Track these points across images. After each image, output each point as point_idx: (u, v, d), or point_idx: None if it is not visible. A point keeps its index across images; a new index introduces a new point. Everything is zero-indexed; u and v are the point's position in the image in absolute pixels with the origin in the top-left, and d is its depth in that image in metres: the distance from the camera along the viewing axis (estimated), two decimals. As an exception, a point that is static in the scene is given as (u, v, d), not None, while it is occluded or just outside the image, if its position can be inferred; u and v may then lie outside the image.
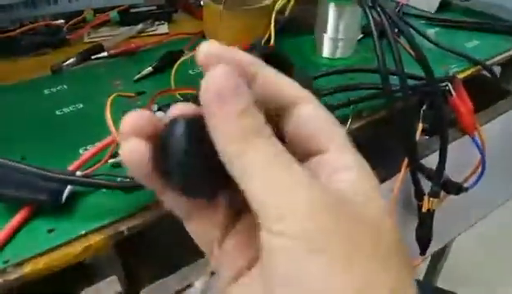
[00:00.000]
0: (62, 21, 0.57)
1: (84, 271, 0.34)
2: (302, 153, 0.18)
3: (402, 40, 0.46)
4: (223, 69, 0.16)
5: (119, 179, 0.32)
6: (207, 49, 0.17)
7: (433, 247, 0.55)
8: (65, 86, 0.46)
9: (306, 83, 0.18)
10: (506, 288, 1.23)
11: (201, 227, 0.19)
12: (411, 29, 0.53)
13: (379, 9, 0.39)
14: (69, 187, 0.30)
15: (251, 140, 0.16)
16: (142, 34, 0.58)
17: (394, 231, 0.17)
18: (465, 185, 0.46)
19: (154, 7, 0.61)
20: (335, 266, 0.15)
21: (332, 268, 0.15)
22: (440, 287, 0.73)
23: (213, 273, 0.19)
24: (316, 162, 0.18)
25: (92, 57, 0.51)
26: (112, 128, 0.31)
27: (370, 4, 0.40)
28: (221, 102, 0.16)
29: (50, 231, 0.29)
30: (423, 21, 0.62)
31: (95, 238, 0.29)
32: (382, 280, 0.15)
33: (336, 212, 0.16)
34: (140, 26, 0.58)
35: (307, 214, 0.15)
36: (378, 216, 0.17)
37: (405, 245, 0.17)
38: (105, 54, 0.52)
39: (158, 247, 0.38)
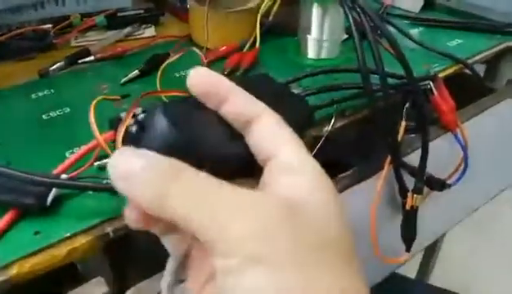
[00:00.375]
0: (49, 26, 0.57)
1: (73, 272, 0.35)
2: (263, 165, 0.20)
3: (384, 40, 0.47)
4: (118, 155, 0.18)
5: (104, 181, 0.32)
6: (196, 76, 0.21)
7: (422, 244, 0.56)
8: (52, 91, 0.46)
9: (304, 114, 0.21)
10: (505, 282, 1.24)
11: (173, 241, 0.21)
12: (394, 29, 0.54)
13: (359, 9, 0.40)
14: (54, 190, 0.30)
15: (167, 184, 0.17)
16: (129, 38, 0.59)
17: (343, 239, 0.17)
18: (449, 182, 0.47)
19: (142, 11, 0.62)
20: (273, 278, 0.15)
21: (270, 279, 0.15)
22: (432, 284, 0.74)
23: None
24: (267, 169, 0.19)
25: (79, 61, 0.52)
26: (96, 132, 0.32)
27: (350, 5, 0.41)
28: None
29: (36, 233, 0.30)
30: (407, 21, 0.63)
31: (80, 240, 0.30)
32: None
33: (274, 226, 0.16)
34: (127, 30, 0.58)
35: (243, 237, 0.16)
36: (324, 223, 0.17)
37: (354, 254, 0.17)
38: (91, 58, 0.52)
39: (145, 247, 0.39)
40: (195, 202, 0.16)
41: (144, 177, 0.17)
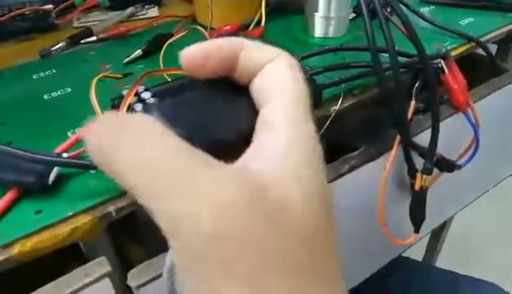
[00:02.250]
0: (51, 6, 0.56)
1: (76, 251, 0.34)
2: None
3: (395, 18, 0.45)
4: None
5: (106, 160, 0.32)
6: (188, 54, 0.20)
7: (430, 226, 0.55)
8: (53, 71, 0.46)
9: (311, 94, 0.20)
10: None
11: None
12: (404, 7, 0.53)
13: (368, -16, 0.39)
14: (56, 169, 0.30)
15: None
16: (132, 18, 0.57)
17: (323, 236, 0.14)
18: (459, 163, 0.46)
19: (144, -10, 0.60)
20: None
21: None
22: (440, 266, 0.74)
23: None
24: (258, 121, 0.18)
25: (82, 42, 0.51)
26: (97, 110, 0.31)
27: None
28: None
29: (37, 212, 0.29)
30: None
31: (82, 220, 0.29)
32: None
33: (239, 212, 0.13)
34: (129, 10, 0.57)
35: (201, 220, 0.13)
36: (298, 218, 0.14)
37: (334, 251, 0.15)
38: (94, 38, 0.51)
39: (149, 226, 0.38)
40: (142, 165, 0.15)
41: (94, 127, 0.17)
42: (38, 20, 0.54)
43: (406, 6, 0.53)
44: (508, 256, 1.26)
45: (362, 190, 0.40)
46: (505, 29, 0.54)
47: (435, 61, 0.45)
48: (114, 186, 0.31)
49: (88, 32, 0.52)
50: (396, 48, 0.38)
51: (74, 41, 0.51)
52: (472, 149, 0.46)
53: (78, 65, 0.47)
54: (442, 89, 0.46)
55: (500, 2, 0.58)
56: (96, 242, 0.34)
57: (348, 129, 0.52)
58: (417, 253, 0.87)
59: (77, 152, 0.32)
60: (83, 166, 0.30)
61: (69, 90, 0.42)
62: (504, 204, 1.31)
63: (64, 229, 0.29)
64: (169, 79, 0.39)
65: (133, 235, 0.38)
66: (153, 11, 0.59)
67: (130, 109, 0.32)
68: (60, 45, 0.49)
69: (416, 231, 0.43)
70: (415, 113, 0.45)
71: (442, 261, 0.91)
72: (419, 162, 0.42)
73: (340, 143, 0.48)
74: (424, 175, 0.40)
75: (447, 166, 0.44)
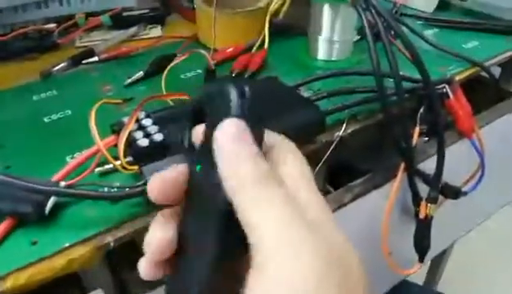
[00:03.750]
0: (53, 25, 0.56)
1: (75, 279, 0.33)
2: None
3: (399, 41, 0.45)
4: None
5: (105, 188, 0.31)
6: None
7: (434, 252, 0.54)
8: (54, 92, 0.45)
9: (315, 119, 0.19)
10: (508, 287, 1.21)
11: None
12: (408, 30, 0.52)
13: (373, 10, 0.38)
14: (52, 198, 0.29)
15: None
16: (135, 38, 0.57)
17: (361, 266, 0.17)
18: (464, 189, 0.45)
19: (147, 10, 0.60)
20: None
21: None
22: (441, 291, 0.72)
23: None
24: None
25: (83, 62, 0.51)
26: (97, 138, 0.30)
27: (364, 6, 0.39)
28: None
29: (33, 243, 0.28)
30: (420, 22, 0.61)
31: (79, 251, 0.28)
32: None
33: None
34: (132, 30, 0.57)
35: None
36: (346, 247, 0.17)
37: (367, 281, 0.17)
38: (95, 59, 0.51)
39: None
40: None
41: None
42: (41, 39, 0.54)
43: (410, 29, 0.53)
44: (510, 279, 1.24)
45: (366, 219, 0.39)
46: (509, 53, 0.54)
47: (440, 86, 0.44)
48: (113, 216, 0.30)
49: (90, 52, 0.51)
50: (400, 72, 0.37)
51: (75, 61, 0.50)
52: (478, 176, 0.45)
53: (79, 87, 0.46)
54: (445, 112, 0.45)
55: (504, 25, 0.58)
56: (94, 270, 0.34)
57: (352, 151, 0.52)
58: (418, 276, 0.85)
59: (74, 180, 0.31)
60: (82, 196, 0.29)
61: (70, 112, 0.42)
62: (506, 226, 1.29)
63: (60, 261, 0.28)
64: (172, 104, 0.39)
65: (133, 263, 0.37)
66: (156, 31, 0.59)
67: (132, 139, 0.31)
68: (62, 65, 0.49)
69: (421, 260, 0.42)
70: (420, 136, 0.44)
71: (444, 285, 0.90)
72: (423, 188, 0.42)
73: (343, 167, 0.47)
74: (429, 204, 0.40)
75: (453, 193, 0.43)
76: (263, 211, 0.16)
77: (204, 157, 0.18)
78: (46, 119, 0.41)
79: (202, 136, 0.19)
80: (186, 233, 0.19)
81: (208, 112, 0.18)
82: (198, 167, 0.18)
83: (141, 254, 0.38)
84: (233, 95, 0.17)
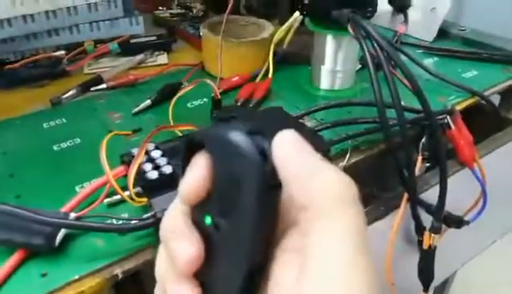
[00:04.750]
0: (63, 52, 0.57)
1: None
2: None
3: (399, 71, 0.46)
4: None
5: (114, 220, 0.32)
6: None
7: (436, 281, 0.54)
8: (63, 120, 0.46)
9: (319, 150, 0.18)
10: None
11: None
12: (409, 59, 0.54)
13: (374, 43, 0.40)
14: (62, 230, 0.30)
15: None
16: (142, 65, 0.59)
17: None
18: (466, 219, 0.45)
19: (154, 38, 0.62)
20: None
21: None
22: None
23: None
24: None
25: (92, 89, 0.52)
26: (107, 169, 0.31)
27: (365, 35, 0.40)
28: None
29: (43, 275, 0.29)
30: (420, 50, 0.62)
31: (89, 283, 0.29)
32: None
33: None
34: (139, 57, 0.59)
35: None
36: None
37: None
38: (104, 86, 0.52)
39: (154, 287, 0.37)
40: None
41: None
42: (51, 66, 0.55)
43: (411, 58, 0.54)
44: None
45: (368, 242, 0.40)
46: (508, 83, 0.55)
47: (441, 116, 0.45)
48: (121, 247, 0.31)
49: (98, 79, 0.53)
50: (402, 103, 0.38)
51: (84, 88, 0.51)
52: (480, 205, 0.46)
53: (87, 114, 0.47)
54: (446, 141, 0.46)
55: (503, 55, 0.59)
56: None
57: (355, 177, 0.52)
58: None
59: (84, 211, 0.32)
60: (91, 228, 0.30)
61: (79, 141, 0.42)
62: (508, 253, 1.28)
63: (69, 293, 0.28)
64: (180, 134, 0.40)
65: (139, 293, 0.38)
66: (162, 58, 0.60)
67: (141, 171, 0.32)
68: (71, 93, 0.50)
69: (425, 290, 0.42)
70: (422, 162, 0.45)
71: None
72: (425, 218, 0.42)
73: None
74: (433, 234, 0.40)
75: (455, 222, 0.44)
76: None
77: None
78: (55, 147, 0.41)
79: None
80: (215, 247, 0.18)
81: (214, 160, 0.17)
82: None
83: (147, 284, 0.38)
84: (255, 160, 0.16)
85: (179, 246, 0.17)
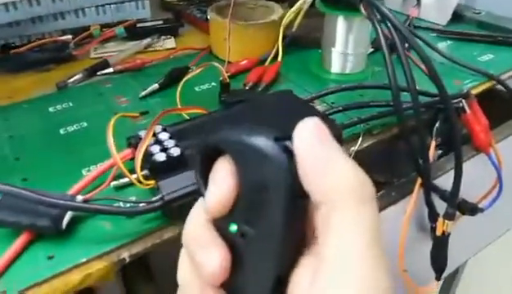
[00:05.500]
0: (69, 37, 0.57)
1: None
2: None
3: (413, 54, 0.44)
4: None
5: (121, 203, 0.31)
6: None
7: (450, 268, 0.53)
8: (70, 104, 0.45)
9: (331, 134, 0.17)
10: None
11: None
12: (422, 43, 0.52)
13: (388, 23, 0.38)
14: (69, 212, 0.29)
15: None
16: (149, 49, 0.58)
17: None
18: (481, 206, 0.44)
19: (161, 22, 0.61)
20: None
21: None
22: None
23: None
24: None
25: (98, 73, 0.51)
26: (114, 152, 0.30)
27: (380, 18, 0.39)
28: None
29: (50, 258, 0.28)
30: (434, 34, 0.61)
31: (96, 266, 0.28)
32: None
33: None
34: (146, 41, 0.58)
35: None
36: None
37: None
38: (110, 70, 0.51)
39: (163, 270, 0.37)
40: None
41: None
42: (57, 50, 0.54)
43: (424, 41, 0.53)
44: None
45: (382, 235, 0.39)
46: (525, 66, 0.53)
47: (456, 100, 0.44)
48: (129, 230, 0.30)
49: (105, 63, 0.52)
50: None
51: (90, 72, 0.51)
52: (495, 191, 0.44)
53: (94, 98, 0.47)
54: (461, 126, 0.45)
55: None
56: (108, 284, 0.33)
57: (367, 165, 0.51)
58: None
59: (91, 194, 0.31)
60: (98, 211, 0.29)
61: (85, 124, 0.42)
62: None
63: (76, 276, 0.28)
64: (188, 117, 0.39)
65: (146, 276, 0.37)
66: (170, 42, 0.59)
67: (148, 153, 0.31)
68: (77, 77, 0.49)
69: (438, 278, 0.41)
70: (436, 148, 0.44)
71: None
72: (439, 204, 0.41)
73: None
74: (446, 221, 0.39)
75: (470, 209, 0.42)
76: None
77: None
78: (62, 131, 0.41)
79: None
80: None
81: (239, 165, 0.17)
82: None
83: (154, 267, 0.38)
84: (280, 159, 0.16)
85: (206, 256, 0.17)
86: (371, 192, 0.16)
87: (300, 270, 0.16)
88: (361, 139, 0.40)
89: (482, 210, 0.43)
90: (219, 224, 0.18)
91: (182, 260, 0.19)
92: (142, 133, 0.33)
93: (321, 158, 0.15)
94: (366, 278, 0.14)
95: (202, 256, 0.17)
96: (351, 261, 0.15)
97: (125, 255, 0.29)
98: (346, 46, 0.49)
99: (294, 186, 0.16)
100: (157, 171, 0.31)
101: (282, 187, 0.16)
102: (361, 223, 0.15)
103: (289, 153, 0.16)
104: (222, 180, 0.17)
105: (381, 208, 0.38)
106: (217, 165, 0.17)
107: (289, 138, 0.16)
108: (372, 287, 0.14)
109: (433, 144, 0.42)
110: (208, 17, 0.55)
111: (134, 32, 0.59)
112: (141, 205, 0.30)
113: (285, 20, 0.51)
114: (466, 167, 0.41)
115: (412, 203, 0.38)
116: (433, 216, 0.40)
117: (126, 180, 0.32)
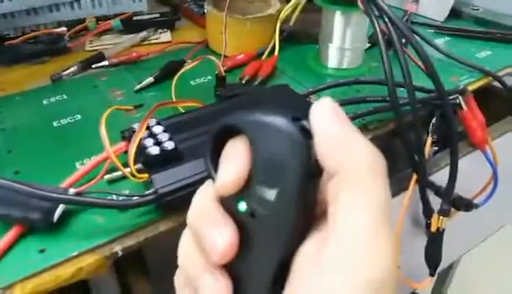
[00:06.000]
0: (64, 29, 0.56)
1: (82, 287, 0.33)
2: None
3: (410, 50, 0.44)
4: None
5: (114, 196, 0.31)
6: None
7: (443, 265, 0.53)
8: (64, 96, 0.45)
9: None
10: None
11: None
12: (420, 39, 0.52)
13: (386, 18, 0.38)
14: (61, 205, 0.29)
15: None
16: (145, 42, 0.57)
17: None
18: (476, 202, 0.44)
19: (157, 15, 0.60)
20: None
21: None
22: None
23: None
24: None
25: (93, 66, 0.51)
26: (107, 145, 0.30)
27: (377, 13, 0.39)
28: None
29: (41, 251, 0.28)
30: (431, 30, 0.60)
31: (87, 260, 0.28)
32: None
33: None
34: (142, 34, 0.57)
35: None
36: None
37: None
38: (106, 63, 0.51)
39: (156, 264, 0.37)
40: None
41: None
42: (51, 43, 0.54)
43: (422, 37, 0.52)
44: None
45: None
46: (523, 63, 0.53)
47: (453, 97, 0.43)
48: (121, 224, 0.30)
49: (100, 56, 0.51)
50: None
51: (85, 65, 0.50)
52: (490, 188, 0.44)
53: (88, 91, 0.46)
54: (458, 123, 0.45)
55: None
56: (102, 277, 0.33)
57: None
58: (423, 289, 0.84)
59: (84, 187, 0.31)
60: (90, 204, 0.29)
61: (79, 117, 0.41)
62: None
63: (67, 270, 0.28)
64: (183, 111, 0.39)
65: (141, 271, 0.37)
66: (166, 36, 0.59)
67: (142, 146, 0.31)
68: (72, 69, 0.49)
69: (432, 274, 0.41)
70: (432, 145, 0.44)
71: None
72: (434, 200, 0.41)
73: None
74: (441, 217, 0.39)
75: (464, 205, 0.42)
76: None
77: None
78: (55, 124, 0.41)
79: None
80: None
81: (254, 145, 0.17)
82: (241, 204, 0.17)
83: (149, 261, 0.38)
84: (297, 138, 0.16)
85: (214, 234, 0.17)
86: (384, 169, 0.16)
87: (306, 242, 0.17)
88: (356, 134, 0.40)
89: (476, 206, 0.43)
90: (227, 204, 0.18)
91: (185, 239, 0.19)
92: (136, 126, 0.33)
93: (340, 135, 0.16)
94: (372, 250, 0.15)
95: (212, 233, 0.17)
96: (359, 234, 0.15)
97: (117, 248, 0.29)
98: (343, 41, 0.49)
99: (310, 164, 0.16)
100: (150, 164, 0.31)
101: (299, 165, 0.16)
102: (373, 198, 0.15)
103: (306, 132, 0.16)
104: (237, 158, 0.17)
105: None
106: (230, 145, 0.18)
107: (306, 118, 0.16)
108: (378, 258, 0.15)
109: (429, 140, 0.42)
110: (205, 10, 0.54)
111: (130, 25, 0.58)
112: (134, 198, 0.30)
113: (283, 15, 0.50)
114: (462, 163, 0.41)
115: (407, 199, 0.38)
116: (428, 211, 0.40)
117: (119, 173, 0.32)
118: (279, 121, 0.16)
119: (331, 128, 0.16)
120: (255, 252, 0.17)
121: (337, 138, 0.16)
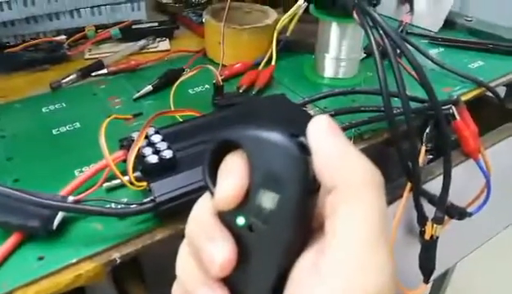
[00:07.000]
0: (64, 37, 0.57)
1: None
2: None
3: (404, 60, 0.45)
4: None
5: (112, 204, 0.31)
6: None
7: (437, 272, 0.54)
8: (63, 104, 0.46)
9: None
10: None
11: None
12: (414, 49, 0.53)
13: (380, 30, 0.39)
14: (60, 213, 0.29)
15: None
16: (144, 51, 0.58)
17: None
18: (469, 210, 0.45)
19: (156, 24, 0.61)
20: None
21: None
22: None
23: None
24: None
25: (92, 74, 0.51)
26: (106, 153, 0.30)
27: (371, 24, 0.40)
28: None
29: (40, 259, 0.28)
30: (426, 41, 0.61)
31: (86, 267, 0.28)
32: None
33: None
34: (141, 42, 0.58)
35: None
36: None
37: None
38: (105, 71, 0.51)
39: (153, 271, 0.37)
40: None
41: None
42: (51, 51, 0.54)
43: (416, 48, 0.53)
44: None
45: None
46: (514, 74, 0.54)
47: (446, 107, 0.44)
48: (120, 232, 0.30)
49: (99, 64, 0.52)
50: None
51: (84, 73, 0.51)
52: (483, 197, 0.45)
53: (87, 99, 0.47)
54: (451, 132, 0.45)
55: (509, 46, 0.58)
56: (99, 284, 0.34)
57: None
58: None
59: (83, 195, 0.31)
60: (89, 212, 0.29)
61: (78, 125, 0.42)
62: (507, 244, 1.28)
63: (66, 277, 0.28)
64: (181, 120, 0.39)
65: (137, 278, 0.37)
66: (164, 44, 0.59)
67: (140, 155, 0.32)
68: (71, 77, 0.50)
69: (426, 281, 0.42)
70: (426, 154, 0.44)
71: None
72: (428, 208, 0.42)
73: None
74: (435, 225, 0.40)
75: (458, 213, 0.43)
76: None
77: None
78: (54, 132, 0.41)
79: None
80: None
81: (252, 161, 0.17)
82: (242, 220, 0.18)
83: (145, 268, 0.38)
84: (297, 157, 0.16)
85: (214, 248, 0.17)
86: (381, 184, 0.17)
87: (304, 253, 0.17)
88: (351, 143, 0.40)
89: (470, 214, 0.44)
90: (225, 217, 0.18)
91: (183, 252, 0.19)
92: (135, 135, 0.33)
93: (336, 151, 0.16)
94: (369, 261, 0.15)
95: (210, 248, 0.17)
96: (356, 245, 0.15)
97: (116, 256, 0.29)
98: (339, 51, 0.49)
99: (309, 179, 0.16)
100: (149, 173, 0.31)
101: (298, 180, 0.16)
102: (369, 211, 0.16)
103: (304, 148, 0.17)
104: (235, 173, 0.17)
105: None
106: (229, 160, 0.18)
107: (303, 134, 0.17)
108: (374, 269, 0.15)
109: (423, 149, 0.43)
110: (204, 20, 0.55)
111: (129, 33, 0.59)
112: (132, 206, 0.30)
113: (280, 25, 0.51)
114: (455, 172, 0.42)
115: (401, 207, 0.38)
116: (422, 219, 0.41)
117: (118, 181, 0.32)
118: (277, 137, 0.17)
119: (328, 145, 0.16)
120: (253, 265, 0.17)
121: (333, 154, 0.16)
